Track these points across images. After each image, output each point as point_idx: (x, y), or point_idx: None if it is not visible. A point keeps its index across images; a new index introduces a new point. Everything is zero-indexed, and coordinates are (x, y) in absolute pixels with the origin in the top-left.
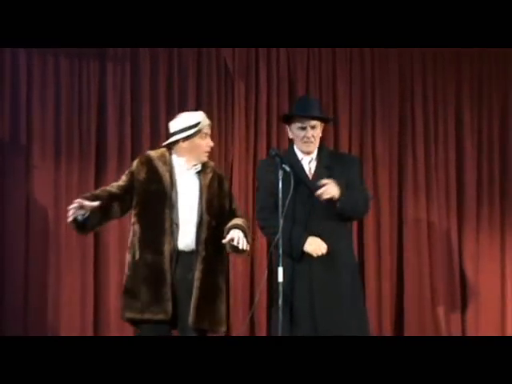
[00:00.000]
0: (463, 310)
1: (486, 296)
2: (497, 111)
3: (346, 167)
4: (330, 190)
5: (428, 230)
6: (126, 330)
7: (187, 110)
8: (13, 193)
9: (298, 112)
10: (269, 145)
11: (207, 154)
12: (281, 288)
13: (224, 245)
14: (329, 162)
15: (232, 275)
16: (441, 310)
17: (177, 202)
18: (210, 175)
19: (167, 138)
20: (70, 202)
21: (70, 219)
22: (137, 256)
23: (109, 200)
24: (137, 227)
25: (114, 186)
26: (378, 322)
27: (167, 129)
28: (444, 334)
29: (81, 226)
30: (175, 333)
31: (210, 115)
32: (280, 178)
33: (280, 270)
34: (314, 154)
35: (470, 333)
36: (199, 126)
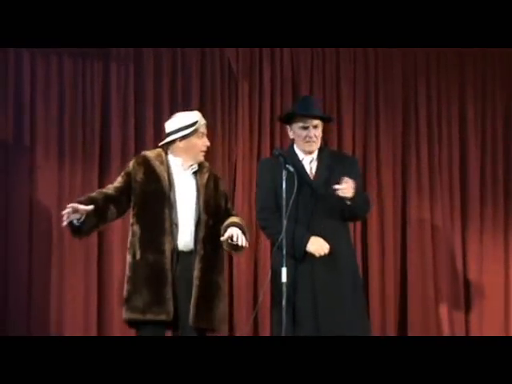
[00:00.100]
0: (467, 311)
1: (490, 296)
2: (500, 111)
3: (347, 168)
4: (349, 190)
5: (432, 230)
6: (129, 330)
7: (191, 111)
8: (17, 193)
9: (301, 111)
10: (272, 145)
11: (203, 154)
12: (284, 288)
13: (221, 243)
14: (330, 162)
15: (235, 275)
16: (444, 310)
17: (175, 202)
18: (206, 175)
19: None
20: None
21: (64, 224)
22: (137, 256)
23: (105, 202)
24: (136, 228)
25: (109, 188)
26: (382, 322)
27: None
28: (448, 334)
29: (76, 230)
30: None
31: (213, 115)
32: (284, 178)
33: (284, 271)
34: (315, 154)
35: (474, 333)
36: (196, 126)
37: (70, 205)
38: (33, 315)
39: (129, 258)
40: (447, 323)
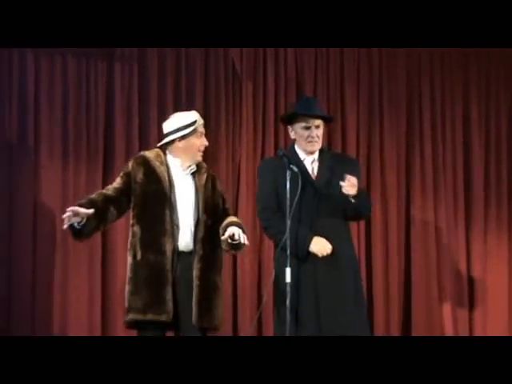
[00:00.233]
0: (471, 310)
1: (494, 296)
2: (504, 111)
3: (348, 168)
4: (353, 186)
5: (436, 230)
6: (133, 330)
7: (195, 111)
8: (21, 193)
9: (303, 111)
10: (276, 145)
11: (202, 154)
12: (288, 288)
13: (219, 243)
14: (331, 163)
15: (239, 276)
16: (448, 311)
17: (176, 202)
18: (204, 175)
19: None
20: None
21: (64, 227)
22: (138, 257)
23: (105, 204)
24: (137, 228)
25: (109, 189)
26: (386, 322)
27: None
28: (451, 334)
29: (77, 232)
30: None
31: (217, 115)
32: (288, 178)
33: (288, 271)
34: (316, 155)
35: (478, 333)
36: (195, 125)
37: (70, 208)
38: (37, 315)
39: (129, 258)
40: (451, 323)
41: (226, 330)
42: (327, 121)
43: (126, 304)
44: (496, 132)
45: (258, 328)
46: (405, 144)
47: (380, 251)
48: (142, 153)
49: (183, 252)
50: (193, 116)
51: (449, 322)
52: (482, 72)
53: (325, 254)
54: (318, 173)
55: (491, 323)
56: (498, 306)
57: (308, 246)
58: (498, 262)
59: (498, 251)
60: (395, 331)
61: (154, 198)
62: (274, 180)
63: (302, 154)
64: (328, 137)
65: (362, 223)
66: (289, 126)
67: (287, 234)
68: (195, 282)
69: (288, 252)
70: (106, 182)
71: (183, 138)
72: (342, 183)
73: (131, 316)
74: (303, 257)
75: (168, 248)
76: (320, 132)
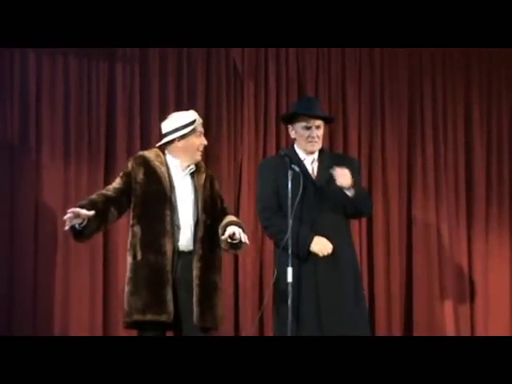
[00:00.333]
0: (472, 310)
1: (496, 296)
2: (506, 111)
3: (348, 168)
4: (344, 176)
5: (437, 229)
6: (135, 331)
7: (196, 111)
8: (22, 193)
9: (303, 111)
10: (278, 145)
11: (201, 153)
12: (290, 288)
13: (218, 243)
14: (331, 163)
15: (241, 276)
16: (450, 310)
17: (176, 203)
18: (203, 175)
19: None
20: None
21: (66, 228)
22: (138, 257)
23: (105, 205)
24: (137, 229)
25: (109, 189)
26: (387, 322)
27: None
28: (453, 333)
29: (78, 234)
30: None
31: (219, 115)
32: (290, 178)
33: (289, 270)
34: (316, 155)
35: (479, 333)
36: (194, 124)
37: (70, 210)
38: (38, 315)
39: (129, 259)
40: (453, 323)
41: (227, 330)
42: (328, 121)
43: (126, 304)
44: (498, 132)
45: (259, 328)
46: (406, 144)
47: (382, 251)
48: (141, 153)
49: (183, 252)
50: (192, 115)
51: (450, 322)
52: (484, 72)
53: (325, 253)
54: (317, 173)
55: (493, 322)
56: (500, 306)
57: (309, 246)
58: (500, 261)
59: (499, 251)
60: (397, 331)
61: (154, 198)
62: (274, 180)
63: (301, 154)
64: (330, 137)
65: (364, 223)
66: (289, 126)
67: (289, 234)
68: (195, 282)
69: (290, 251)
70: (107, 181)
71: (183, 137)
72: (332, 172)
73: (130, 316)
74: (304, 256)
75: (168, 248)
76: (320, 132)
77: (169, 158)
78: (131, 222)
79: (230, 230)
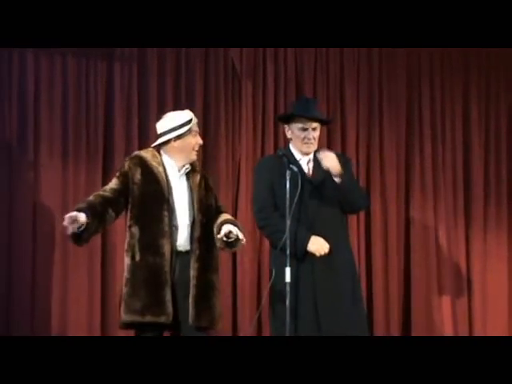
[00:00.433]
0: (471, 309)
1: (494, 296)
2: (504, 111)
3: (343, 167)
4: (328, 157)
5: (435, 229)
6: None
7: (194, 111)
8: (20, 193)
9: (300, 113)
10: (276, 145)
11: (196, 153)
12: (288, 288)
13: (215, 242)
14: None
15: (239, 275)
16: (448, 310)
17: (174, 204)
18: (198, 175)
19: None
20: (78, 203)
21: (68, 232)
22: (137, 258)
23: (103, 207)
24: (135, 229)
25: (106, 190)
26: (386, 322)
27: None
28: (451, 333)
29: (77, 238)
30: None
31: (217, 115)
32: (288, 178)
33: (287, 270)
34: (311, 155)
35: (478, 332)
36: (191, 124)
37: (68, 215)
38: (36, 315)
39: (127, 259)
40: (451, 322)
41: (225, 330)
42: (325, 123)
43: (124, 305)
44: (496, 132)
45: (257, 328)
46: (404, 144)
47: (380, 251)
48: (137, 152)
49: (181, 252)
50: (187, 115)
51: (449, 322)
52: (482, 72)
53: (322, 253)
54: (313, 172)
55: (491, 322)
56: (498, 305)
57: (306, 246)
58: (498, 261)
59: (497, 250)
60: (395, 330)
61: (152, 199)
62: (269, 179)
63: (297, 155)
64: (327, 137)
65: (362, 223)
66: (285, 126)
67: (287, 234)
68: (192, 282)
69: (288, 251)
70: (105, 181)
71: (179, 137)
72: (317, 155)
73: (128, 317)
74: (301, 256)
75: (167, 249)
76: (317, 134)
77: (165, 158)
78: (128, 222)
79: (226, 228)
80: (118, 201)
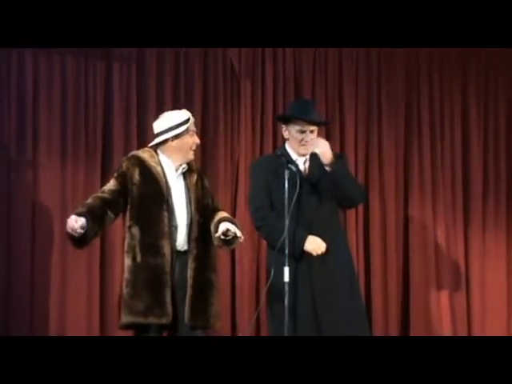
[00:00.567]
0: (469, 308)
1: (493, 295)
2: (503, 111)
3: (337, 159)
4: (317, 142)
5: (434, 228)
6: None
7: (193, 111)
8: (19, 192)
9: (299, 115)
10: (275, 145)
11: (193, 152)
12: (286, 288)
13: (212, 241)
14: (320, 162)
15: (238, 275)
16: (447, 310)
17: (173, 204)
18: (195, 174)
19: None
20: (77, 202)
21: (72, 235)
22: (138, 259)
23: (103, 209)
24: (135, 230)
25: (105, 192)
26: (385, 322)
27: None
28: (450, 333)
29: (78, 241)
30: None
31: (215, 115)
32: (286, 177)
33: (286, 270)
34: (308, 155)
35: (476, 332)
36: (188, 123)
37: (71, 224)
38: (35, 315)
39: (128, 260)
40: (449, 322)
41: (224, 330)
42: (323, 125)
43: (124, 306)
44: (494, 131)
45: (256, 328)
46: (403, 143)
47: (378, 249)
48: (134, 152)
49: (180, 252)
50: (185, 114)
51: (447, 321)
52: (481, 72)
53: (319, 252)
54: (309, 171)
55: (490, 321)
56: (497, 304)
57: (303, 245)
58: (496, 259)
59: (496, 249)
60: (394, 330)
61: (151, 199)
62: (266, 179)
63: (294, 155)
64: (326, 136)
65: (361, 222)
66: (283, 126)
67: (285, 233)
68: (189, 282)
69: (286, 251)
70: (104, 181)
71: (177, 137)
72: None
73: (130, 319)
74: (298, 256)
75: (167, 250)
76: (314, 136)
77: (162, 157)
78: (128, 223)
79: (223, 226)
80: (116, 202)
